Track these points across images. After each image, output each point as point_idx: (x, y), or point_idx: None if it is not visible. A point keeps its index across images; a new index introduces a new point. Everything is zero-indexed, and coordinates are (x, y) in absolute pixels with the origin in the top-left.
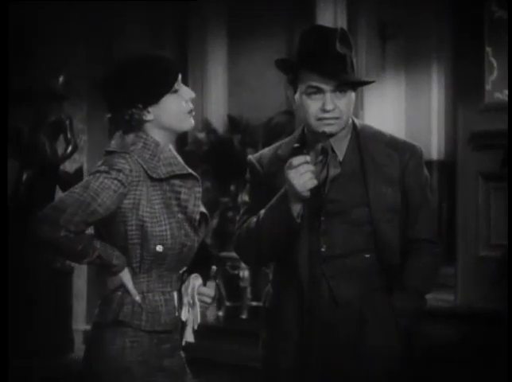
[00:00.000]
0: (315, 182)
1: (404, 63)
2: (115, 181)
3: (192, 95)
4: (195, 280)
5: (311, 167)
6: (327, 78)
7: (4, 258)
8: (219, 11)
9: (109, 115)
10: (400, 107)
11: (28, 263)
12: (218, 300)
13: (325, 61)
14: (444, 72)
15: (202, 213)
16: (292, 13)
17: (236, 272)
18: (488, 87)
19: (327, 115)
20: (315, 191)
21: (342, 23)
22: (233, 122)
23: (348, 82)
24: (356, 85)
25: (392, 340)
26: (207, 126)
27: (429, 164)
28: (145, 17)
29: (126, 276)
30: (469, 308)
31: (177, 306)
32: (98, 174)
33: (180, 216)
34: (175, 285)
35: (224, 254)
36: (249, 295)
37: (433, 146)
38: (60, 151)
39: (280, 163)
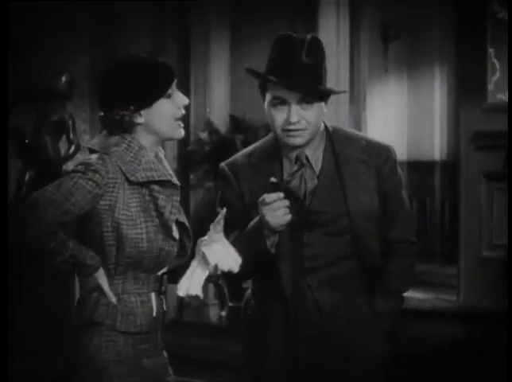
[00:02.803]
0: (288, 218)
1: (406, 64)
2: (90, 182)
3: (186, 101)
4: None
5: (285, 203)
6: (288, 90)
7: (4, 257)
8: (221, 11)
9: (101, 114)
10: (403, 108)
11: (30, 261)
12: (221, 300)
13: (289, 73)
14: (446, 73)
15: (182, 224)
16: (295, 15)
17: None
18: (491, 87)
19: (292, 127)
20: (296, 204)
21: (344, 24)
22: (235, 123)
23: (311, 95)
24: (324, 95)
25: (379, 341)
26: (209, 126)
27: (432, 164)
28: (148, 17)
29: (101, 277)
30: (471, 308)
31: (155, 308)
32: (73, 174)
33: (158, 220)
34: (152, 286)
35: None
36: None
37: (436, 146)
38: (62, 151)
39: (253, 172)
